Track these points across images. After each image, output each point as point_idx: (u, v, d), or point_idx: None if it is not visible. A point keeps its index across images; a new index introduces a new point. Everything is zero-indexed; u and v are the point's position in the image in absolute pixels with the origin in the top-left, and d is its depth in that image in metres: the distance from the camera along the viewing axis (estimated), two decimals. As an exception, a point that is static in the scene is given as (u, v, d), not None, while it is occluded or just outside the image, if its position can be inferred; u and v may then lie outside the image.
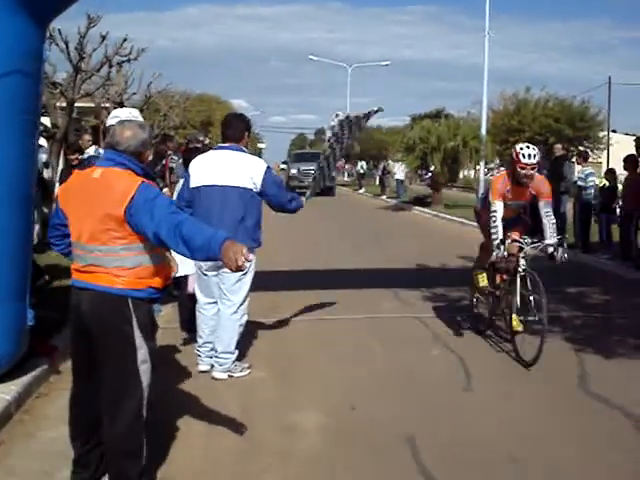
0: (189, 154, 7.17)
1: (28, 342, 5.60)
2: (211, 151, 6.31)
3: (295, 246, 14.24)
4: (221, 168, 5.84)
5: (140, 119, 4.72)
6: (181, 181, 6.72)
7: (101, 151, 4.65)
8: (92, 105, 19.73)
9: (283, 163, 70.84)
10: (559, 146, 15.53)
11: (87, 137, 10.53)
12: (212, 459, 4.37)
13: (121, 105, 19.70)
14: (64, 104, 13.63)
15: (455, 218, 21.49)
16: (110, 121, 4.66)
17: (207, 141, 8.60)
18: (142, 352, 3.71)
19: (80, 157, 4.15)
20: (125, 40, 14.30)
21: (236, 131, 5.96)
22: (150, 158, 4.11)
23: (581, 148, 27.50)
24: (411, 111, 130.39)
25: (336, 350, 6.91)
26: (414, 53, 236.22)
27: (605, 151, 35.05)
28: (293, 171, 38.11)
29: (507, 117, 32.59)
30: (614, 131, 45.71)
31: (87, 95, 13.92)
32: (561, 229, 13.94)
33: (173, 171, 8.63)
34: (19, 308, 5.39)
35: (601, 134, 34.46)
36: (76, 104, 13.89)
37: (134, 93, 19.70)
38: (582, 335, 7.42)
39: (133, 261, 3.66)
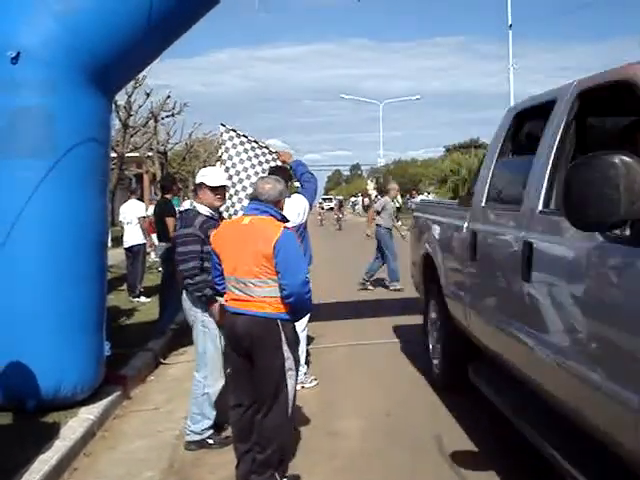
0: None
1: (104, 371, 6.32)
2: None
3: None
4: None
5: (219, 170, 5.64)
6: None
7: (195, 204, 5.50)
8: (136, 155, 20.87)
9: (326, 200, 65.54)
10: None
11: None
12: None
13: (165, 154, 20.86)
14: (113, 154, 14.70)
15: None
16: (200, 179, 5.54)
17: None
18: (289, 362, 4.42)
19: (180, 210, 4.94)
20: (169, 97, 15.40)
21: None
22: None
23: None
24: (445, 141, 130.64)
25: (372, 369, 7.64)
26: (443, 84, 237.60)
27: None
28: None
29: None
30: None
31: (135, 149, 14.97)
32: None
33: None
34: (99, 340, 6.17)
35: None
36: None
37: (176, 143, 20.77)
38: None
39: (279, 290, 4.33)
